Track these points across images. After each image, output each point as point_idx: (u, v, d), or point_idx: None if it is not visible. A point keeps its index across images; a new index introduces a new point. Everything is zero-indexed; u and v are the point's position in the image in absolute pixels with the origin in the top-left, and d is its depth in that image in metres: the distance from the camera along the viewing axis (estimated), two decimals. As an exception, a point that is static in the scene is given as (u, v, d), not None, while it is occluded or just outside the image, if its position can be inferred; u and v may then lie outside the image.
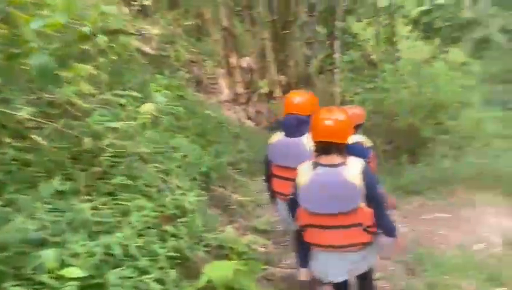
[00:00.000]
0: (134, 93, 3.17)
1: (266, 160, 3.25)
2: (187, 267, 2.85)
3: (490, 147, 6.26)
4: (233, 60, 8.29)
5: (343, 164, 2.25)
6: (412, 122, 6.98)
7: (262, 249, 4.16)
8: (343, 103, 8.13)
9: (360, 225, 2.25)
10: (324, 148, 2.29)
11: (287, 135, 3.05)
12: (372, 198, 2.25)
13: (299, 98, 3.10)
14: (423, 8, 10.47)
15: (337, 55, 8.60)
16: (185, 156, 3.44)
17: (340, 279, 2.46)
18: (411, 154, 6.98)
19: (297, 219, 2.43)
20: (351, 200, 2.21)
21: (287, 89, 8.51)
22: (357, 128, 3.63)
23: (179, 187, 3.02)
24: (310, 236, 2.37)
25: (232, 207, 4.75)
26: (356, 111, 3.66)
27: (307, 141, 2.88)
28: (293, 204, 2.46)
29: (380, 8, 10.39)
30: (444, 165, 6.00)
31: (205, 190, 4.40)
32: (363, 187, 2.19)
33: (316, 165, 2.29)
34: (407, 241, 4.52)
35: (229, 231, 3.85)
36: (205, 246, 3.05)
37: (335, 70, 8.65)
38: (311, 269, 2.50)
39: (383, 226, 2.35)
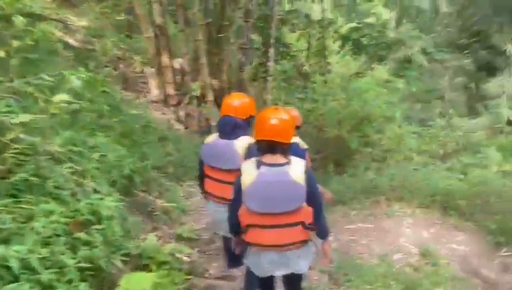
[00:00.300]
0: (48, 83, 2.81)
1: (200, 160, 3.22)
2: (101, 280, 2.57)
3: (410, 161, 6.61)
4: (164, 59, 7.96)
5: (287, 163, 2.28)
6: (340, 133, 7.19)
7: (186, 259, 3.94)
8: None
9: (302, 223, 2.30)
10: (269, 147, 2.29)
11: (221, 136, 3.05)
12: (313, 197, 2.30)
13: (237, 101, 3.10)
14: (353, 25, 10.95)
15: (270, 64, 8.64)
16: (104, 156, 3.13)
17: (277, 273, 2.50)
18: (338, 165, 7.18)
19: (234, 224, 2.43)
20: (296, 199, 2.23)
21: (219, 93, 8.38)
22: (298, 128, 3.70)
23: (95, 191, 2.72)
24: (251, 236, 2.37)
25: (156, 213, 4.47)
26: (293, 113, 3.71)
27: (239, 145, 2.91)
28: (233, 208, 2.43)
29: (313, 21, 10.69)
30: (368, 176, 6.21)
31: (127, 194, 4.09)
32: (306, 187, 2.23)
33: (259, 164, 2.30)
34: (333, 250, 4.63)
35: (151, 239, 3.62)
36: (123, 255, 2.78)
37: (268, 78, 8.68)
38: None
39: (320, 225, 2.42)
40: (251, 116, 3.05)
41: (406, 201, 5.66)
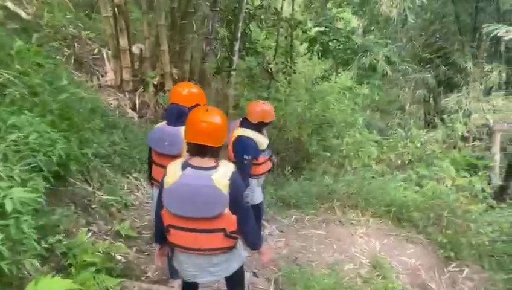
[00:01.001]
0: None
1: (148, 146, 3.26)
2: (6, 285, 2.18)
3: (367, 169, 6.51)
4: (123, 42, 7.45)
5: (214, 168, 2.20)
6: (300, 136, 6.99)
7: (122, 258, 3.58)
8: (236, 107, 7.87)
9: (223, 230, 2.23)
10: (198, 150, 2.22)
11: (168, 123, 3.11)
12: (237, 206, 2.22)
13: (186, 89, 3.17)
14: (321, 28, 10.82)
15: (235, 58, 8.34)
16: (26, 137, 2.70)
17: (202, 280, 2.47)
18: (295, 168, 6.98)
19: (158, 224, 2.39)
20: (215, 206, 2.15)
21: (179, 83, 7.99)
22: (265, 125, 3.70)
23: (8, 177, 2.30)
24: (173, 237, 2.30)
25: (93, 207, 4.05)
26: (266, 108, 3.66)
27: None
28: (157, 207, 2.38)
29: (282, 19, 10.47)
30: (325, 181, 6.05)
31: (59, 183, 3.66)
32: (229, 195, 2.15)
33: (186, 166, 2.22)
34: (282, 256, 4.40)
35: (81, 236, 3.21)
36: (38, 256, 2.38)
37: (232, 73, 8.37)
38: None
39: (245, 235, 2.35)
40: (197, 105, 2.97)
41: (361, 209, 5.53)
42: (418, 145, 7.91)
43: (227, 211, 2.18)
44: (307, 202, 5.63)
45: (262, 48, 10.09)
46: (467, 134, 10.09)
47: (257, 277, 3.74)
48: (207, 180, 2.13)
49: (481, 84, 11.13)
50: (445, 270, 4.83)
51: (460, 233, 5.09)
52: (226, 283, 2.64)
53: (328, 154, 7.25)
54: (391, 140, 7.65)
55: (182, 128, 2.66)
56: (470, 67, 11.12)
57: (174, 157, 2.65)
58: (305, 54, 10.50)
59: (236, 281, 2.64)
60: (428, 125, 11.98)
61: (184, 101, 3.07)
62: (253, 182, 3.65)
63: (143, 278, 3.44)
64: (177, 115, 3.02)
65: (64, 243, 2.99)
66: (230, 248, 2.35)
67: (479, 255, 4.98)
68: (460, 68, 11.39)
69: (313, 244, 4.72)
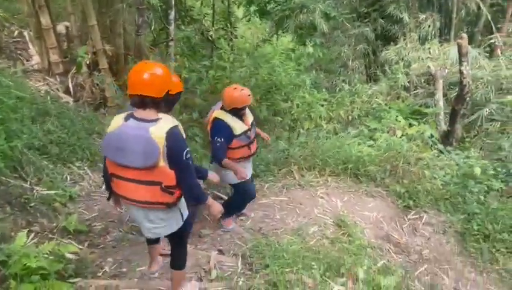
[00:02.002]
0: None
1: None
2: None
3: (320, 128, 6.46)
4: (44, 21, 6.72)
5: (155, 120, 2.23)
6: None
7: (73, 257, 3.25)
8: (181, 78, 7.46)
9: (159, 183, 2.26)
10: (140, 102, 2.24)
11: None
12: (175, 162, 2.25)
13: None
14: (258, -11, 10.46)
15: (172, 28, 7.84)
16: None
17: (148, 235, 2.59)
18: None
19: (105, 175, 2.48)
20: (147, 156, 2.17)
21: (114, 60, 7.41)
22: (239, 110, 3.65)
23: None
24: (115, 186, 2.41)
25: (32, 205, 3.64)
26: (234, 94, 3.60)
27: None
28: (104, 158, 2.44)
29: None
30: (280, 147, 5.92)
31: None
32: (165, 148, 2.18)
33: (129, 117, 2.27)
34: (246, 228, 4.25)
35: (20, 239, 2.85)
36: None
37: (170, 44, 7.89)
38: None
39: (185, 190, 2.37)
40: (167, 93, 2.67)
41: (319, 170, 5.48)
42: (365, 99, 7.97)
43: (162, 164, 2.21)
44: (264, 170, 5.50)
45: (199, 15, 9.59)
46: (408, 84, 10.36)
47: (223, 254, 3.57)
48: (143, 131, 2.16)
49: (417, 34, 11.37)
50: (406, 219, 4.93)
51: (416, 181, 5.20)
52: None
53: (279, 118, 7.12)
54: (339, 97, 7.63)
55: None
56: (406, 18, 11.28)
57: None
58: (244, 17, 10.14)
59: (176, 242, 2.71)
60: (371, 79, 12.16)
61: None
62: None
63: (99, 275, 3.16)
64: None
65: (1, 250, 2.63)
66: (169, 205, 2.37)
67: (435, 199, 5.12)
68: (397, 20, 11.53)
69: (275, 211, 4.61)
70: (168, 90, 2.32)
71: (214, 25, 10.36)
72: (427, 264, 4.31)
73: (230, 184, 4.01)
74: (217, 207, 2.59)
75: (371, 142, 5.91)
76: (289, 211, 4.65)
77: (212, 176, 3.30)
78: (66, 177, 4.43)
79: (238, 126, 3.61)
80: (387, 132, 6.32)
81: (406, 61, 10.51)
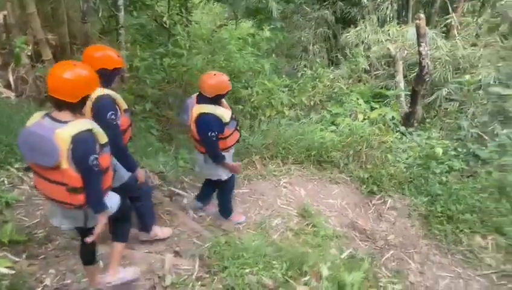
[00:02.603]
0: None
1: None
2: None
3: (282, 116, 6.26)
4: (-23, 9, 6.14)
5: (65, 122, 2.21)
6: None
7: (9, 271, 2.91)
8: (131, 69, 7.04)
9: (64, 184, 2.27)
10: (54, 103, 2.23)
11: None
12: (79, 167, 2.24)
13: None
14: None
15: (121, 14, 7.35)
16: None
17: (63, 227, 2.60)
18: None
19: None
20: (48, 157, 2.19)
21: (59, 50, 6.88)
22: (222, 97, 3.51)
23: None
24: (34, 181, 2.45)
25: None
26: (220, 79, 3.45)
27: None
28: None
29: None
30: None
31: None
32: (69, 151, 2.18)
33: (45, 115, 2.27)
34: (206, 226, 4.01)
35: None
36: None
37: (120, 32, 7.41)
38: None
39: (87, 197, 2.34)
40: (104, 69, 2.75)
41: (281, 159, 5.30)
42: (327, 83, 7.84)
43: (66, 166, 2.20)
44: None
45: (151, 0, 9.09)
46: (368, 67, 10.34)
47: (180, 256, 3.31)
48: (49, 132, 2.16)
49: (376, 16, 11.35)
50: (370, 204, 4.84)
51: (380, 165, 5.12)
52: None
53: (240, 106, 6.86)
54: (300, 82, 7.44)
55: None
56: (364, 1, 11.23)
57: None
58: (200, 2, 9.70)
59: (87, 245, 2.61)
60: (333, 63, 12.09)
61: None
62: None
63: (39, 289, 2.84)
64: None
65: None
66: (76, 207, 2.36)
67: (399, 183, 5.05)
68: (356, 2, 11.47)
69: (237, 205, 4.39)
70: (86, 95, 2.28)
71: (170, 10, 9.91)
72: (393, 250, 4.24)
73: (216, 180, 3.80)
74: (102, 223, 2.43)
75: (333, 127, 5.79)
76: (251, 203, 4.45)
77: (141, 174, 3.10)
78: (3, 181, 4.01)
79: (225, 113, 3.45)
80: (350, 116, 6.21)
81: (366, 44, 10.47)
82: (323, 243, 3.78)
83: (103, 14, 7.64)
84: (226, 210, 4.09)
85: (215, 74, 3.51)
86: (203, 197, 4.18)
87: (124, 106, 2.95)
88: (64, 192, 2.29)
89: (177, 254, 3.34)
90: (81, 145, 2.21)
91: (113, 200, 2.54)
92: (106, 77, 2.81)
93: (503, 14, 9.12)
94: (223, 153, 3.56)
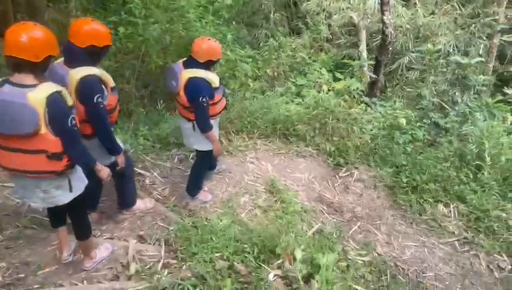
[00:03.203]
0: None
1: None
2: None
3: (246, 88, 6.05)
4: None
5: (33, 86, 2.10)
6: (165, 63, 6.13)
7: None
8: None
9: (43, 151, 2.17)
10: (14, 64, 2.10)
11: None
12: (59, 130, 2.18)
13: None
14: None
15: (69, -21, 6.79)
16: None
17: (37, 205, 2.49)
18: (169, 100, 6.20)
19: None
20: (25, 123, 2.07)
21: (2, 20, 6.29)
22: (213, 63, 3.45)
23: None
24: (1, 158, 2.25)
25: None
26: (213, 44, 3.35)
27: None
28: None
29: None
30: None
31: None
32: (46, 114, 2.09)
33: (4, 83, 2.13)
34: (171, 207, 3.84)
35: None
36: None
37: (69, -1, 6.86)
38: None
39: (74, 158, 2.31)
40: (93, 46, 2.63)
41: (247, 133, 5.15)
42: (290, 53, 7.66)
43: (45, 131, 2.11)
44: (187, 137, 5.02)
45: (102, -37, 8.42)
46: (330, 36, 10.23)
47: (145, 240, 3.14)
48: (20, 98, 2.04)
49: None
50: (337, 177, 4.82)
51: (346, 137, 5.08)
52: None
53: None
54: (264, 53, 7.22)
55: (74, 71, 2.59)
56: (325, -33, 10.99)
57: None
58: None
59: (73, 211, 2.63)
60: (294, 32, 11.88)
61: (76, 39, 2.60)
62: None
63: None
64: (69, 55, 2.66)
65: None
66: (58, 174, 2.28)
67: (365, 155, 5.06)
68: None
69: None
70: (49, 55, 2.15)
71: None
72: (360, 222, 4.26)
73: (197, 150, 3.72)
74: (106, 171, 2.57)
75: (299, 99, 5.66)
76: (218, 181, 4.29)
77: (121, 159, 2.99)
78: None
79: (214, 78, 3.38)
80: (314, 87, 6.10)
81: (327, 12, 10.32)
82: (292, 220, 3.71)
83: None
84: (194, 187, 3.91)
85: (209, 39, 3.40)
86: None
87: (112, 83, 2.84)
88: (44, 160, 2.18)
89: (141, 238, 3.17)
90: (58, 106, 2.14)
91: (79, 183, 2.47)
92: (94, 54, 2.69)
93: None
94: (211, 120, 3.46)
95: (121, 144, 3.04)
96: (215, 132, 3.66)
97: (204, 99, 3.26)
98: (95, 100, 2.59)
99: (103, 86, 2.71)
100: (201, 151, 3.65)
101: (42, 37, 2.10)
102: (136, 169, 4.28)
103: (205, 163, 3.86)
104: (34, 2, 6.80)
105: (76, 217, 2.69)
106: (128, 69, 6.44)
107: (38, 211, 3.26)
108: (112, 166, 2.87)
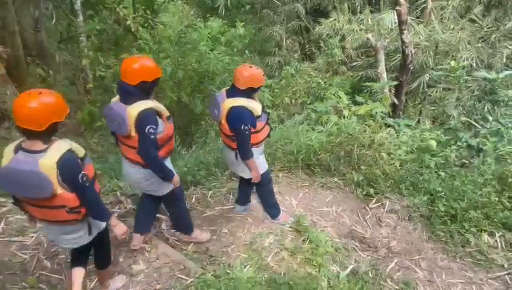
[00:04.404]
0: None
1: None
2: None
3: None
4: None
5: (43, 151, 2.22)
6: (179, 98, 5.96)
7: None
8: (94, 78, 6.46)
9: (63, 207, 2.31)
10: (25, 133, 2.22)
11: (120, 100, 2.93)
12: (73, 187, 2.30)
13: (130, 63, 2.86)
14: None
15: (80, 20, 6.76)
16: None
17: (66, 246, 2.67)
18: (184, 135, 6.00)
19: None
20: (41, 189, 2.20)
21: (13, 63, 6.26)
22: (255, 91, 3.43)
23: None
24: (26, 208, 2.40)
25: None
26: (254, 72, 3.35)
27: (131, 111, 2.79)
28: None
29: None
30: (220, 145, 5.20)
31: None
32: (58, 176, 2.22)
33: (18, 149, 2.26)
34: (189, 255, 3.54)
35: None
36: None
37: (81, 39, 6.82)
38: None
39: (89, 212, 2.43)
40: (144, 82, 2.84)
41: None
42: (307, 79, 7.44)
43: (61, 191, 2.25)
44: (205, 175, 4.75)
45: (113, 2, 8.47)
46: (346, 58, 10.01)
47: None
48: (32, 166, 2.16)
49: (347, 6, 11.03)
50: (368, 208, 4.46)
51: (373, 165, 4.73)
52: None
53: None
54: (281, 81, 7.00)
55: (131, 108, 2.78)
56: (335, -10, 10.88)
57: (125, 137, 2.89)
58: (163, 2, 9.13)
59: (96, 246, 2.74)
60: (308, 57, 11.74)
61: (127, 78, 2.82)
62: (254, 150, 3.46)
63: None
64: (123, 93, 2.86)
65: None
66: (79, 221, 2.44)
67: (396, 182, 4.70)
68: (325, -9, 11.10)
69: (223, 224, 3.93)
70: (54, 122, 2.24)
71: (135, 12, 9.28)
72: (397, 258, 3.88)
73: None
74: (121, 228, 2.59)
75: (320, 127, 5.36)
76: (239, 221, 3.98)
77: (176, 180, 3.20)
78: None
79: (256, 107, 3.37)
80: (335, 113, 5.80)
81: (341, 35, 10.14)
82: (323, 262, 3.37)
83: (60, 21, 7.00)
84: (272, 207, 3.95)
85: (250, 66, 3.41)
86: (243, 199, 4.05)
87: (166, 113, 2.99)
88: (64, 213, 2.34)
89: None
90: (68, 168, 2.25)
91: (100, 224, 2.61)
92: (146, 89, 2.88)
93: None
94: (254, 148, 3.46)
95: (172, 168, 3.20)
96: (261, 158, 3.69)
97: (245, 128, 3.28)
98: (147, 130, 2.77)
99: (158, 117, 2.88)
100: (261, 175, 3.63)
101: (45, 107, 2.18)
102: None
103: (265, 185, 3.81)
104: (43, 43, 6.79)
105: (98, 250, 2.82)
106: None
107: (47, 267, 3.02)
108: (168, 195, 3.18)
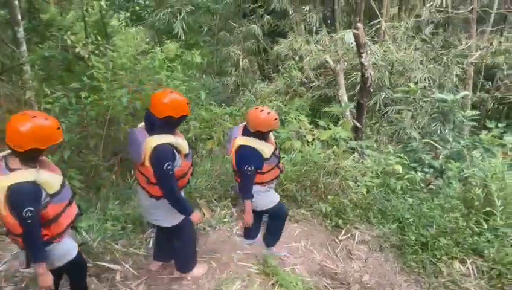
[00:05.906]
0: None
1: None
2: None
3: (224, 146, 5.56)
4: None
5: (13, 170, 2.26)
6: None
7: None
8: (41, 109, 5.97)
9: (9, 232, 2.38)
10: (9, 148, 2.28)
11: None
12: (16, 218, 2.26)
13: (158, 97, 2.89)
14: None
15: (23, 49, 6.30)
16: None
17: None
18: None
19: None
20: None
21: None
22: (265, 133, 3.43)
23: None
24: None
25: None
26: (261, 116, 3.36)
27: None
28: None
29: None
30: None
31: None
32: (6, 199, 2.23)
33: (3, 158, 2.33)
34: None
35: None
36: None
37: (24, 69, 6.34)
38: None
39: (25, 248, 2.40)
40: (170, 117, 2.84)
41: (231, 200, 4.61)
42: (268, 103, 7.30)
43: (5, 213, 2.26)
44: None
45: (60, 29, 8.00)
46: (305, 79, 9.99)
47: None
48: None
49: (304, 27, 11.11)
50: (337, 240, 4.30)
51: (341, 194, 4.59)
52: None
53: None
54: (243, 108, 6.80)
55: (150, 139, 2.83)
56: (291, 12, 10.94)
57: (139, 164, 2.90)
58: (118, 26, 8.77)
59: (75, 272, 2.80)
60: (266, 78, 11.67)
61: (154, 110, 2.85)
62: (258, 187, 3.52)
63: None
64: (149, 123, 2.90)
65: None
66: (23, 248, 2.43)
67: (364, 210, 4.56)
68: (283, 14, 11.14)
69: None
70: (34, 148, 2.25)
71: (87, 38, 8.80)
72: (371, 294, 3.70)
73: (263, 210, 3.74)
74: (46, 280, 2.42)
75: (283, 154, 5.17)
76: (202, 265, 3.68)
77: (197, 217, 3.25)
78: None
79: (266, 149, 3.41)
80: (297, 138, 5.65)
81: (299, 56, 10.14)
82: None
83: (1, 51, 6.51)
84: (273, 238, 3.96)
85: (262, 110, 3.42)
86: (252, 231, 3.99)
87: (185, 150, 2.99)
88: (11, 236, 2.39)
89: None
90: (16, 196, 2.23)
91: (69, 247, 2.60)
92: (171, 124, 2.89)
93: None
94: (258, 186, 3.50)
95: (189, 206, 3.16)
96: (268, 193, 3.67)
97: (249, 169, 3.33)
98: (165, 167, 2.78)
99: (176, 153, 2.88)
100: (270, 209, 3.70)
101: (29, 131, 2.21)
102: (103, 263, 3.63)
103: (275, 216, 3.82)
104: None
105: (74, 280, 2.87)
106: (93, 138, 5.87)
107: None
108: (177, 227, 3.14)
